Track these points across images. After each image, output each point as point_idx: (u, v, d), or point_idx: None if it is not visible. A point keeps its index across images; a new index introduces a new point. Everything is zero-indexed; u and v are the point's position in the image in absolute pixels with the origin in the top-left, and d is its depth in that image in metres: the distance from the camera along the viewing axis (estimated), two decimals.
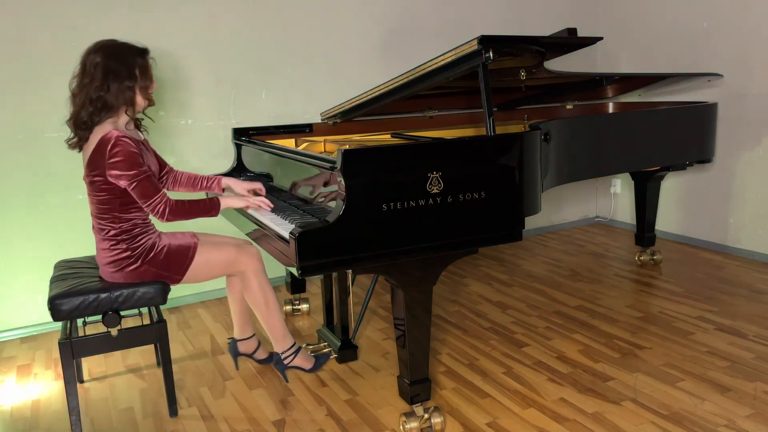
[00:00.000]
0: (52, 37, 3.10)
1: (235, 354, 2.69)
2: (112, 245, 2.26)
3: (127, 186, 2.18)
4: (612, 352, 2.76)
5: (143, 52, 2.26)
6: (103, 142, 2.14)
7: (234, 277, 2.58)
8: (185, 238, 2.40)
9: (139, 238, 2.29)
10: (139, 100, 2.25)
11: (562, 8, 4.64)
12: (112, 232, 2.26)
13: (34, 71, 3.09)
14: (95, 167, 2.18)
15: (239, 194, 2.57)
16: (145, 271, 2.29)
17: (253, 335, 2.69)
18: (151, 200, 2.20)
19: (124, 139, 2.15)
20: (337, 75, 3.86)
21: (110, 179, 2.17)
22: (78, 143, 2.26)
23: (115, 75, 2.16)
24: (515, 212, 2.19)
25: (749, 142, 3.93)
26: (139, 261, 2.28)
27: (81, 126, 2.21)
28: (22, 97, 3.09)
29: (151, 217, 2.33)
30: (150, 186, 2.20)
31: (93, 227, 2.32)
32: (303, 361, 2.57)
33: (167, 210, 2.22)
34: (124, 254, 2.27)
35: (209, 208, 2.33)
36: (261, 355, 2.70)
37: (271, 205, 2.44)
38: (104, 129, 2.17)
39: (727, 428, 2.15)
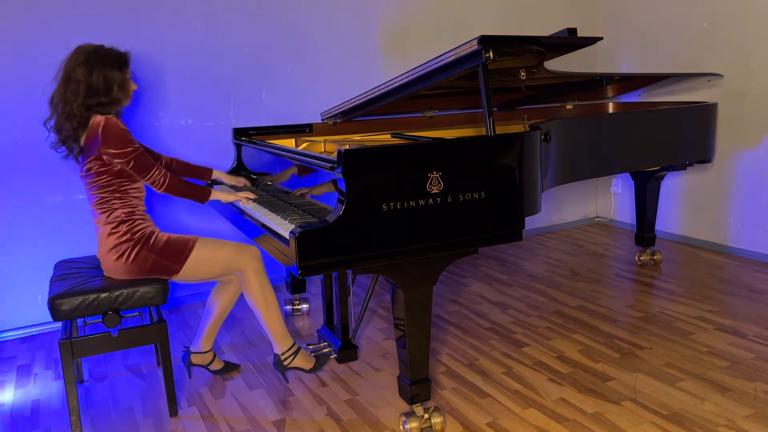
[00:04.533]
0: (52, 38, 3.10)
1: (189, 364, 2.64)
2: (113, 228, 2.32)
3: (125, 164, 2.28)
4: (612, 352, 2.76)
5: (122, 66, 2.35)
6: (93, 127, 2.28)
7: (224, 284, 2.58)
8: (185, 235, 2.44)
9: (138, 222, 2.36)
10: (121, 103, 2.40)
11: (562, 8, 4.64)
12: (114, 215, 2.32)
13: (35, 72, 3.09)
14: (90, 152, 2.29)
15: (228, 189, 2.75)
16: (145, 258, 2.31)
17: (210, 350, 2.66)
18: (150, 173, 2.32)
19: (112, 119, 2.28)
20: (337, 75, 3.86)
21: (106, 160, 2.27)
22: (71, 150, 2.36)
23: (95, 93, 2.28)
24: (515, 212, 2.19)
25: (749, 142, 3.93)
26: (139, 245, 2.31)
27: (69, 138, 2.31)
28: (22, 98, 3.09)
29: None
30: (146, 160, 2.32)
31: (95, 222, 2.37)
32: (303, 361, 2.57)
33: (166, 181, 2.35)
34: (125, 237, 2.31)
35: (200, 193, 2.45)
36: (216, 366, 2.68)
37: (254, 197, 2.57)
38: (92, 120, 2.31)
39: (727, 428, 2.16)
